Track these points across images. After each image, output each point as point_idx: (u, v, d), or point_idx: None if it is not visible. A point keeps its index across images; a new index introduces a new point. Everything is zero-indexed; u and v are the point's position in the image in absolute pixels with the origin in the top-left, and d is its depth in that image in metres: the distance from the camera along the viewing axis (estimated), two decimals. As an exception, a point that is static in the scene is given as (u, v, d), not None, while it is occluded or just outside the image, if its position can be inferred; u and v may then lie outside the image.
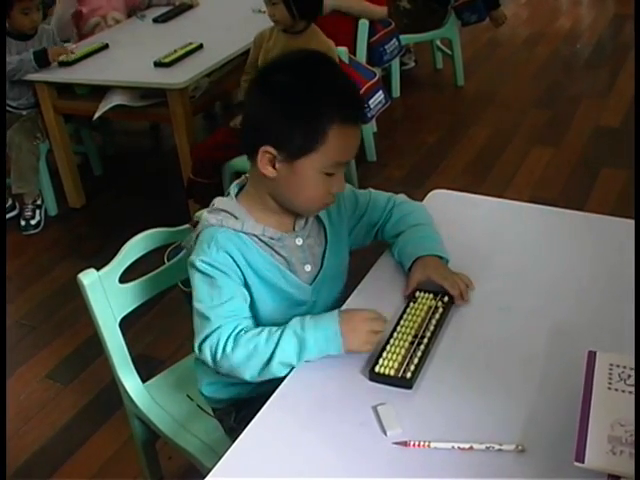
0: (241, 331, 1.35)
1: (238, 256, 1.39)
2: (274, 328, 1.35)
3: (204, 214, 1.44)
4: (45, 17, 5.04)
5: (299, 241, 1.46)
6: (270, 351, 1.31)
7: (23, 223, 3.62)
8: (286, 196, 1.40)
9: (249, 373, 1.34)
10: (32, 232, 3.61)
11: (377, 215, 1.62)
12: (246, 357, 1.32)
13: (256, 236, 1.41)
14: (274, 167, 1.35)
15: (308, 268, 1.48)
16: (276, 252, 1.44)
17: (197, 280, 1.38)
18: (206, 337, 1.35)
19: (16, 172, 3.56)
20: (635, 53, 4.66)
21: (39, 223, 3.64)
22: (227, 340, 1.33)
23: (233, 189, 1.47)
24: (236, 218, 1.40)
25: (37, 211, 3.65)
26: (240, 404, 1.53)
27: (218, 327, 1.34)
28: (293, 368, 1.34)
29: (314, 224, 1.50)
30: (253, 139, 1.37)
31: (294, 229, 1.47)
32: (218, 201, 1.45)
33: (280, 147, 1.33)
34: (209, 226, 1.40)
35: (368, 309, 1.37)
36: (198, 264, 1.37)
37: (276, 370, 1.33)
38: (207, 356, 1.35)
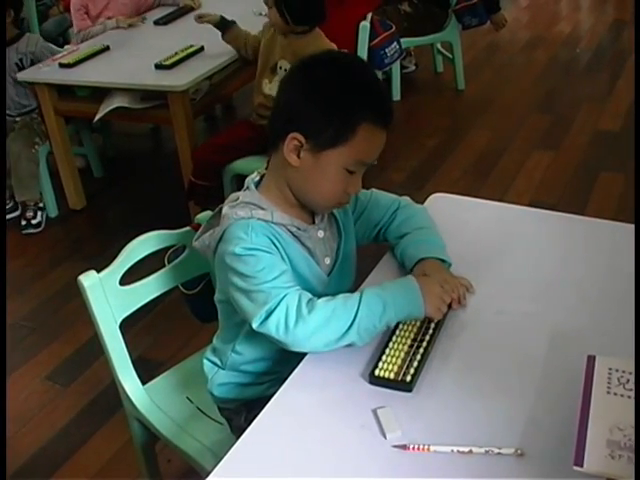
0: (310, 298, 1.33)
1: (276, 242, 1.39)
2: (347, 294, 1.36)
3: (226, 209, 1.42)
4: (46, 19, 5.08)
5: (321, 233, 1.48)
6: (353, 312, 1.30)
7: (24, 223, 3.62)
8: (304, 188, 1.41)
9: (324, 340, 1.31)
10: (32, 232, 3.61)
11: (379, 215, 1.63)
12: (325, 320, 1.29)
13: (284, 226, 1.42)
14: (299, 156, 1.37)
15: (328, 260, 1.51)
16: (302, 243, 1.45)
17: (240, 266, 1.34)
18: (271, 309, 1.30)
19: (16, 180, 3.56)
20: (635, 58, 4.67)
21: (40, 224, 3.64)
22: (299, 305, 1.30)
23: (251, 183, 1.47)
24: (264, 210, 1.41)
25: (39, 212, 3.65)
26: (251, 404, 1.53)
27: (284, 296, 1.30)
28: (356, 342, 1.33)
29: (328, 217, 1.52)
30: (283, 126, 1.38)
31: (314, 222, 1.48)
32: (242, 195, 1.44)
33: (309, 136, 1.35)
34: (239, 219, 1.38)
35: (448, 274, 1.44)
36: (239, 250, 1.33)
37: (356, 336, 1.30)
38: (273, 328, 1.30)
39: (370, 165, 1.42)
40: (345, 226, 1.55)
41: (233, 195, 1.46)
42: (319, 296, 1.40)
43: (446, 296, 1.40)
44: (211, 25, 3.27)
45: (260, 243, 1.35)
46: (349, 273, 1.59)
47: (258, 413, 1.27)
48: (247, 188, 1.47)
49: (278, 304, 1.30)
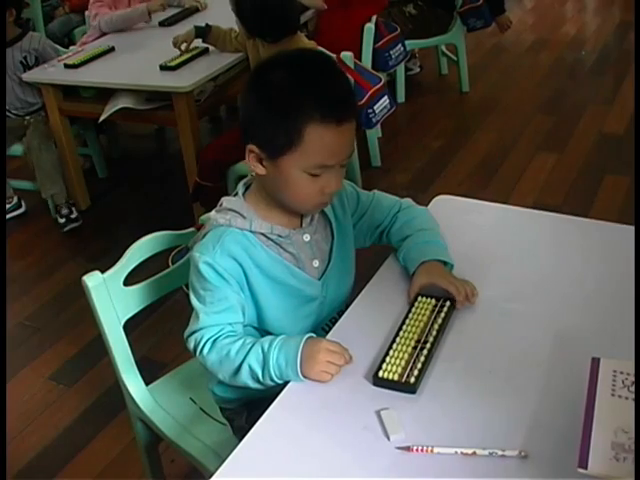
0: (221, 336, 1.39)
1: (244, 258, 1.40)
2: (250, 339, 1.38)
3: (212, 213, 1.45)
4: (52, 20, 5.09)
5: (307, 237, 1.47)
6: (239, 361, 1.36)
7: (63, 220, 3.56)
8: (279, 194, 1.40)
9: (222, 376, 1.41)
10: (74, 226, 3.57)
11: (381, 216, 1.62)
12: (219, 362, 1.38)
13: (264, 234, 1.42)
14: (263, 165, 1.37)
15: (316, 263, 1.49)
16: (284, 249, 1.44)
17: (195, 278, 1.41)
18: (193, 332, 1.41)
19: (42, 175, 3.54)
20: (635, 59, 4.66)
21: (78, 218, 3.60)
22: (207, 341, 1.39)
23: (240, 188, 1.48)
24: (244, 217, 1.41)
25: (72, 208, 3.61)
26: (252, 405, 1.54)
27: (204, 327, 1.39)
28: (265, 384, 1.36)
29: (320, 220, 1.51)
30: (243, 137, 1.38)
31: (302, 225, 1.47)
32: (226, 201, 1.45)
33: (262, 146, 1.34)
34: (218, 226, 1.41)
35: (333, 341, 1.36)
36: (200, 265, 1.38)
37: (247, 380, 1.37)
38: (190, 348, 1.43)
39: (343, 163, 1.36)
40: (340, 227, 1.54)
41: (222, 199, 1.47)
42: (314, 299, 1.49)
43: (335, 358, 1.32)
44: (191, 40, 3.35)
45: (220, 264, 1.38)
46: (346, 274, 1.58)
47: (259, 414, 1.27)
48: (236, 193, 1.48)
49: (198, 331, 1.40)
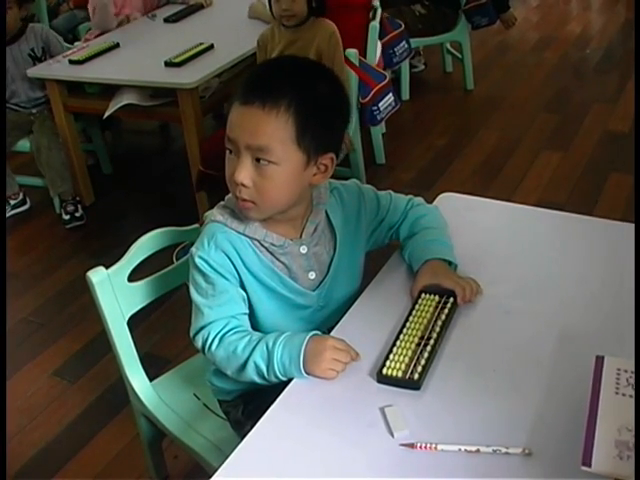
0: (229, 331, 1.39)
1: (236, 258, 1.40)
2: (256, 335, 1.38)
3: (215, 208, 1.45)
4: (56, 16, 5.09)
5: (303, 249, 1.45)
6: (245, 357, 1.36)
7: (67, 217, 3.58)
8: None
9: (230, 371, 1.41)
10: (77, 224, 3.59)
11: (396, 218, 1.62)
12: (226, 358, 1.39)
13: (257, 240, 1.42)
14: None
15: (312, 275, 1.48)
16: (276, 258, 1.44)
17: (194, 273, 1.42)
18: (199, 329, 1.41)
19: (53, 174, 3.54)
20: (635, 58, 4.64)
21: (82, 216, 3.62)
22: (214, 338, 1.39)
23: None
24: (240, 219, 1.41)
25: (78, 205, 3.63)
26: (248, 397, 1.54)
27: (210, 323, 1.40)
28: (270, 381, 1.36)
29: (325, 232, 1.49)
30: None
31: (301, 236, 1.46)
32: (228, 199, 1.45)
33: None
34: (214, 221, 1.42)
35: (339, 338, 1.36)
36: (196, 259, 1.40)
37: (253, 376, 1.37)
38: (199, 346, 1.43)
39: (251, 149, 1.31)
40: (345, 240, 1.52)
41: (227, 196, 1.45)
42: (308, 307, 1.48)
43: (341, 355, 1.32)
44: None
45: (214, 259, 1.39)
46: (348, 284, 1.56)
47: (255, 406, 1.27)
48: None
49: (204, 327, 1.40)
